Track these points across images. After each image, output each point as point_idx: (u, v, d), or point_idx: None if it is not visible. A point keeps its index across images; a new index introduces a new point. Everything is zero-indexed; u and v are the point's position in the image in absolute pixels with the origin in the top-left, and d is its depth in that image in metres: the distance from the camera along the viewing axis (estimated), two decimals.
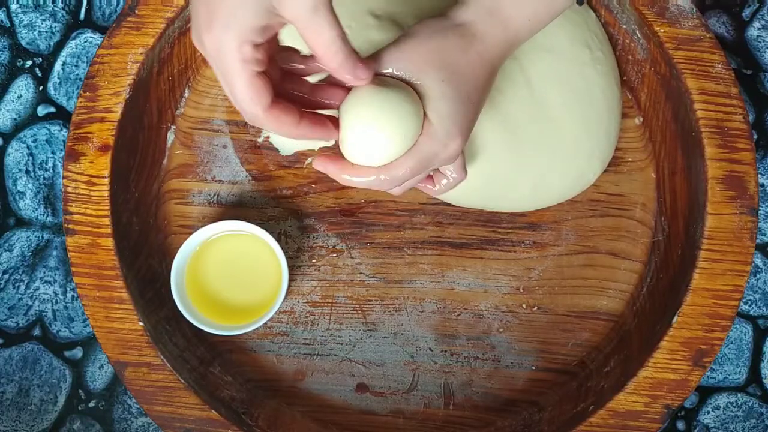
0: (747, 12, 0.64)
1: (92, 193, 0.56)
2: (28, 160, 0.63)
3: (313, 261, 0.61)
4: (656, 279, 0.59)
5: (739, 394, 0.62)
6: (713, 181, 0.55)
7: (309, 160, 0.60)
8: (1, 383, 0.62)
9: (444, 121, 0.44)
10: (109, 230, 0.56)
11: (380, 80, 0.44)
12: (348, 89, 0.45)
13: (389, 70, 0.44)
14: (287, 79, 0.45)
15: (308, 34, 0.40)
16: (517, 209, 0.59)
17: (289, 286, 0.59)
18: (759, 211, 0.58)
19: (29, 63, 0.64)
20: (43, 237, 0.63)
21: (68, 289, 0.62)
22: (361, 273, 0.61)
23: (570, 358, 0.60)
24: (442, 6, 0.56)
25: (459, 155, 0.47)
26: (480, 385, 0.60)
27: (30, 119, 0.64)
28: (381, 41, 0.55)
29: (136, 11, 0.56)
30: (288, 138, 0.47)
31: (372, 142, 0.43)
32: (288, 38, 0.46)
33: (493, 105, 0.55)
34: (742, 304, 0.61)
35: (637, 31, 0.58)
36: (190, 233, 0.57)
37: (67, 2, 0.64)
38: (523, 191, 0.57)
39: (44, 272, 0.63)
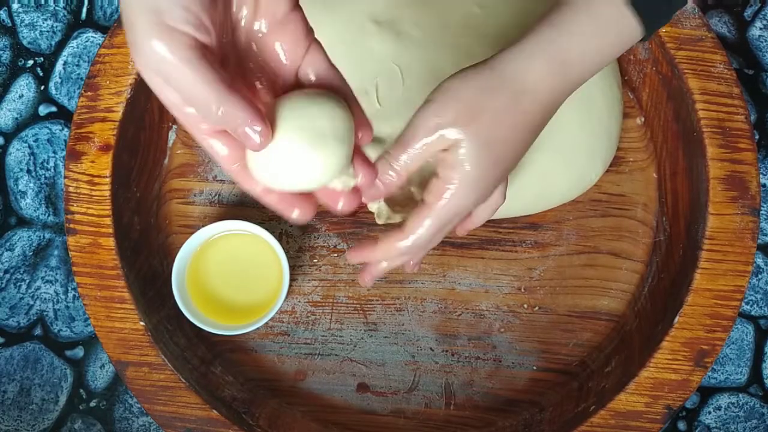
0: (749, 12, 0.64)
1: (93, 193, 0.56)
2: (30, 159, 0.63)
3: (314, 261, 0.61)
4: (657, 279, 0.59)
5: (740, 395, 0.61)
6: (715, 181, 0.55)
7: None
8: (2, 382, 0.62)
9: (472, 187, 0.41)
10: (111, 230, 0.56)
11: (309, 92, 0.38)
12: None
13: (422, 142, 0.41)
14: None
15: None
16: (521, 213, 0.59)
17: (290, 285, 0.59)
18: (761, 212, 0.58)
19: (30, 62, 0.64)
20: (44, 236, 0.63)
21: (69, 288, 0.62)
22: None
23: (571, 358, 0.60)
24: (449, 19, 0.56)
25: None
26: (481, 385, 0.60)
27: (31, 119, 0.64)
28: (382, 53, 0.55)
29: None
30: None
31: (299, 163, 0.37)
32: None
33: None
34: (743, 304, 0.61)
35: None
36: (192, 233, 0.57)
37: (69, 2, 0.64)
38: (526, 194, 0.57)
39: (45, 272, 0.63)
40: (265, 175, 0.37)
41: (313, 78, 0.38)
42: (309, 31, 0.38)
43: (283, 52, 0.37)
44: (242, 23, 0.36)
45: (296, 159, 0.36)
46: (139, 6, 0.32)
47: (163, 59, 0.32)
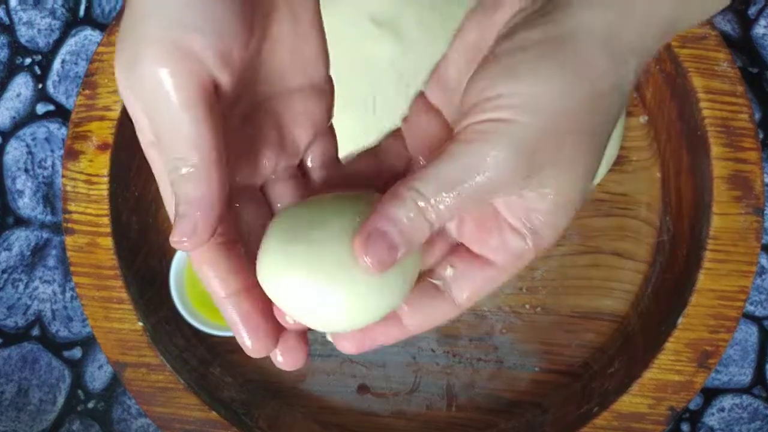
0: (753, 10, 0.64)
1: (91, 192, 0.56)
2: (27, 158, 0.63)
3: None
4: (661, 279, 0.59)
5: (744, 396, 0.61)
6: (719, 181, 0.55)
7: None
8: (0, 383, 0.62)
9: (557, 236, 0.29)
10: (109, 229, 0.56)
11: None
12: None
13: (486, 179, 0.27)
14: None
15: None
16: None
17: None
18: (765, 211, 0.58)
19: (28, 61, 0.64)
20: (42, 236, 0.63)
21: (67, 288, 0.62)
22: None
23: (574, 360, 0.60)
24: (450, 18, 0.56)
25: None
26: (483, 387, 0.60)
27: (29, 117, 0.63)
28: (381, 57, 0.53)
29: None
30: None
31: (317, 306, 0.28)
32: None
33: None
34: (747, 304, 0.61)
35: None
36: None
37: None
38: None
39: (43, 272, 0.62)
40: (282, 303, 0.29)
41: (318, 169, 0.33)
42: (331, 108, 0.33)
43: (306, 120, 0.31)
44: (269, 70, 0.30)
45: (325, 299, 0.28)
46: (153, 7, 0.25)
47: (159, 92, 0.25)
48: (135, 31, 0.25)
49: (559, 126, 0.26)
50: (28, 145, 0.63)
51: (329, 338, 0.32)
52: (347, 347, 0.32)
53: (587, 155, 0.28)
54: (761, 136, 0.63)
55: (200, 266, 0.30)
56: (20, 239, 0.63)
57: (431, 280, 0.31)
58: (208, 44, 0.25)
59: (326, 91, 0.32)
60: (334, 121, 0.34)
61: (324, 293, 0.27)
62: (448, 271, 0.31)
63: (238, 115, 0.30)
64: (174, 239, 0.27)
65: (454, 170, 0.27)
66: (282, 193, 0.32)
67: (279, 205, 0.32)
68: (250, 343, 0.32)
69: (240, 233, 0.31)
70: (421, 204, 0.27)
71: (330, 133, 0.33)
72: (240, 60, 0.27)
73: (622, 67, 0.27)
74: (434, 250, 0.31)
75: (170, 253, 0.60)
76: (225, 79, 0.27)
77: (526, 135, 0.26)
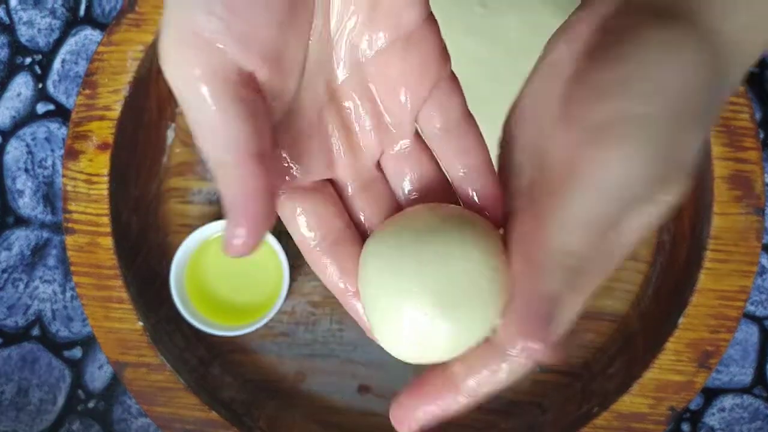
0: None
1: (91, 192, 0.56)
2: (27, 158, 0.63)
3: None
4: (661, 279, 0.59)
5: (744, 396, 0.61)
6: (719, 181, 0.54)
7: None
8: (0, 383, 0.62)
9: None
10: (109, 229, 0.56)
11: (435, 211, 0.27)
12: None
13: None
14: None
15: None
16: None
17: (290, 285, 0.58)
18: (766, 211, 0.58)
19: (28, 60, 0.64)
20: (42, 236, 0.63)
21: (67, 288, 0.62)
22: None
23: (574, 360, 0.60)
24: (450, 18, 0.55)
25: None
26: None
27: (29, 117, 0.63)
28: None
29: (136, 8, 0.56)
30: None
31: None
32: None
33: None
34: (748, 304, 0.61)
35: None
36: (190, 232, 0.57)
37: None
38: None
39: (43, 271, 0.62)
40: (380, 335, 0.27)
41: (440, 136, 0.27)
42: (443, 57, 0.27)
43: (404, 92, 0.27)
44: (338, 32, 0.26)
45: (412, 329, 0.25)
46: None
47: (177, 84, 0.24)
48: (165, 14, 0.24)
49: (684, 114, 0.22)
50: (28, 145, 0.63)
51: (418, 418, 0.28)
52: (401, 426, 0.28)
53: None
54: (762, 135, 0.63)
55: (322, 270, 0.30)
56: (20, 239, 0.62)
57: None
58: (220, 26, 0.22)
59: (426, 36, 0.28)
60: None
61: (438, 338, 0.25)
62: None
63: (310, 107, 0.27)
64: (224, 247, 0.25)
65: (591, 199, 0.22)
66: (365, 205, 0.29)
67: (362, 216, 0.29)
68: None
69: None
70: (572, 263, 0.22)
71: (452, 91, 0.29)
72: (271, 41, 0.24)
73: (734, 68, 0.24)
74: None
75: (170, 252, 0.60)
76: (255, 65, 0.24)
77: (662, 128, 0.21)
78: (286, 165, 0.27)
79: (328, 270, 0.29)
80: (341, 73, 0.27)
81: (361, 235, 0.29)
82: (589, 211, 0.22)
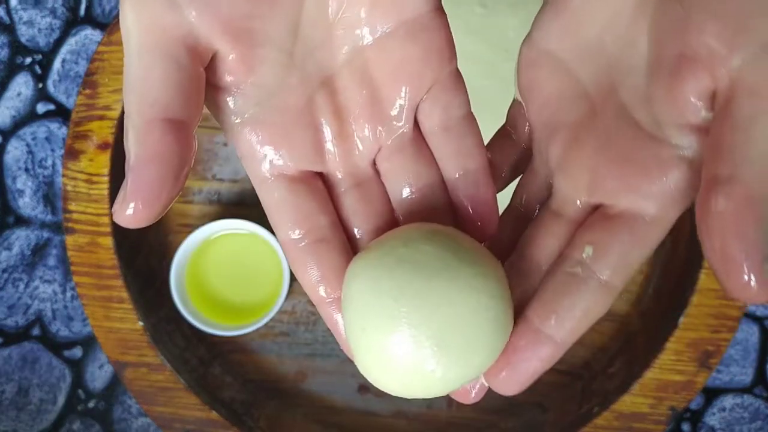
0: None
1: (92, 192, 0.56)
2: (28, 157, 0.63)
3: None
4: (662, 279, 0.59)
5: (745, 396, 0.61)
6: None
7: None
8: (0, 383, 0.62)
9: None
10: (109, 229, 0.56)
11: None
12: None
13: None
14: None
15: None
16: None
17: (291, 285, 0.58)
18: None
19: (29, 60, 0.64)
20: (42, 235, 0.63)
21: (68, 288, 0.62)
22: None
23: (574, 359, 0.60)
24: (450, 17, 0.55)
25: None
26: None
27: (29, 117, 0.63)
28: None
29: None
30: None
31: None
32: None
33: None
34: (748, 304, 0.60)
35: None
36: (191, 232, 0.57)
37: None
38: None
39: (44, 271, 0.62)
40: (362, 364, 0.26)
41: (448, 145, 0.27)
42: (448, 51, 0.26)
43: (404, 80, 0.26)
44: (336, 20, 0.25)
45: (399, 365, 0.24)
46: None
47: (124, 37, 0.23)
48: None
49: None
50: (28, 145, 0.63)
51: (485, 383, 0.26)
52: (509, 389, 0.25)
53: None
54: None
55: (302, 271, 0.27)
56: (20, 239, 0.62)
57: (568, 270, 0.25)
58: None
59: (434, 25, 0.27)
60: None
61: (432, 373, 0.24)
62: (587, 252, 0.25)
63: (298, 92, 0.26)
64: (114, 214, 0.23)
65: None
66: (354, 206, 0.27)
67: (352, 219, 0.27)
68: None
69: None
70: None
71: (453, 89, 0.27)
72: (239, 15, 0.23)
73: None
74: (558, 233, 0.26)
75: (171, 252, 0.60)
76: (212, 34, 0.23)
77: None
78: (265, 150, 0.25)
79: (308, 273, 0.26)
80: (338, 58, 0.26)
81: (348, 238, 0.27)
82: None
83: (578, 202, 0.26)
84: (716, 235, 0.21)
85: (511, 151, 0.29)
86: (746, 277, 0.20)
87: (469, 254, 0.24)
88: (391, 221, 0.27)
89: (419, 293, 0.23)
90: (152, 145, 0.22)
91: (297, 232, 0.26)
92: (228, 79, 0.24)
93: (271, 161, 0.26)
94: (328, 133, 0.26)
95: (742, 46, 0.20)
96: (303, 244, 0.26)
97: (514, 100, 0.29)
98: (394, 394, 0.25)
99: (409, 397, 0.25)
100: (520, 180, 0.29)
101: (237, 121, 0.25)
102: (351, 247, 0.27)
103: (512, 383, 0.25)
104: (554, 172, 0.27)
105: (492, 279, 0.24)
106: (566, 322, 0.24)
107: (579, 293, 0.25)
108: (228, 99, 0.25)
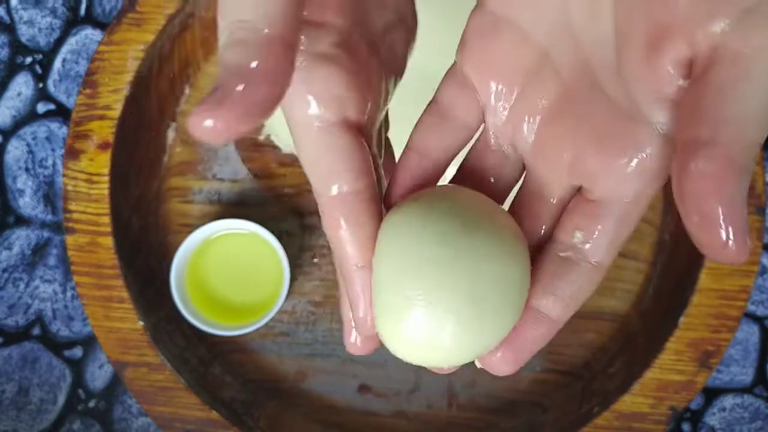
0: None
1: (92, 191, 0.56)
2: (28, 157, 0.63)
3: (315, 260, 0.60)
4: (662, 279, 0.59)
5: (745, 396, 0.61)
6: None
7: None
8: (0, 382, 0.62)
9: None
10: (109, 229, 0.56)
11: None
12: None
13: None
14: None
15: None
16: None
17: (291, 285, 0.58)
18: (766, 211, 0.57)
19: (29, 60, 0.64)
20: (42, 235, 0.63)
21: (68, 287, 0.62)
22: None
23: (575, 359, 0.60)
24: (445, 17, 0.56)
25: None
26: (484, 387, 0.59)
27: (30, 116, 0.63)
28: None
29: (137, 7, 0.56)
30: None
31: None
32: None
33: None
34: (748, 304, 0.60)
35: None
36: (191, 232, 0.57)
37: None
38: None
39: (44, 271, 0.62)
40: (382, 327, 0.24)
41: None
42: (412, 49, 0.28)
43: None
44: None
45: (421, 329, 0.23)
46: None
47: None
48: None
49: None
50: (28, 144, 0.63)
51: (477, 365, 0.27)
52: (504, 369, 0.26)
53: None
54: None
55: (336, 228, 0.25)
56: (21, 238, 0.62)
57: (561, 254, 0.26)
58: None
59: (412, 28, 0.29)
60: None
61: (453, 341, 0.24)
62: (577, 237, 0.26)
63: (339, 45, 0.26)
64: (195, 110, 0.20)
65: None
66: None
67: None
68: (355, 338, 0.27)
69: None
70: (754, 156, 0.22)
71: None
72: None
73: None
74: (543, 216, 0.27)
75: (171, 252, 0.60)
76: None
77: None
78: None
79: (341, 230, 0.25)
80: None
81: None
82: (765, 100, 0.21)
83: (560, 183, 0.27)
84: (695, 198, 0.21)
85: (450, 132, 0.28)
86: (724, 237, 0.21)
87: (503, 216, 0.25)
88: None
89: (445, 256, 0.23)
90: (272, 59, 0.21)
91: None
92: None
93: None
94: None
95: (723, 11, 0.20)
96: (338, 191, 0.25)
97: (452, 73, 0.29)
98: (413, 362, 0.25)
99: (426, 365, 0.25)
100: (469, 152, 0.29)
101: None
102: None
103: (510, 363, 0.26)
104: (528, 152, 0.27)
105: (515, 245, 0.25)
106: (562, 301, 0.26)
107: (573, 275, 0.26)
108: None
